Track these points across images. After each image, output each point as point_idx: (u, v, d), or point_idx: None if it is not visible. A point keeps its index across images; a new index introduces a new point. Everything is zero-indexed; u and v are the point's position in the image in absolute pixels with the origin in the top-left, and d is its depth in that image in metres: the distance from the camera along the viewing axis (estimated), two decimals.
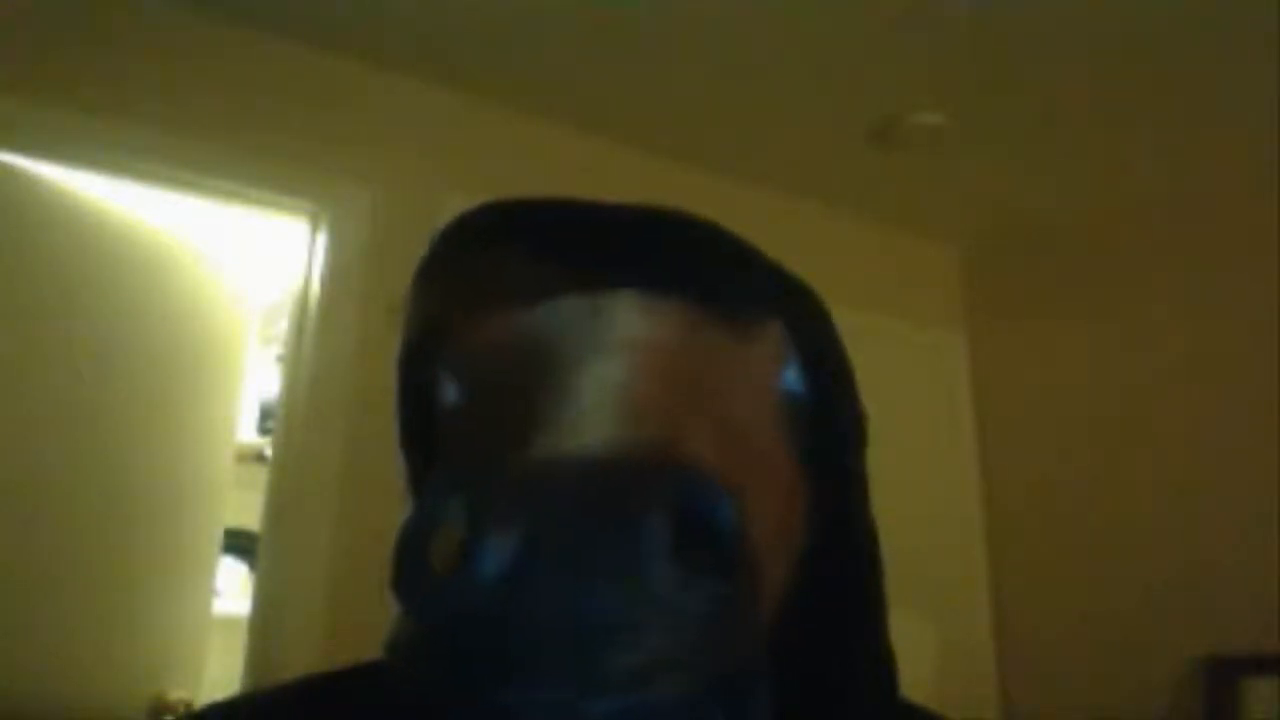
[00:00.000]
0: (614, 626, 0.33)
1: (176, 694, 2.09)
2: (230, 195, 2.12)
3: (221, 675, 2.21)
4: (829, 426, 0.53)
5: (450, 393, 0.51)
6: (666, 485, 0.35)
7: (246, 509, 2.38)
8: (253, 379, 2.76)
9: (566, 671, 0.32)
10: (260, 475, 2.25)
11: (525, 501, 0.35)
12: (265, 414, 2.92)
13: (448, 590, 0.34)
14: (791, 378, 0.52)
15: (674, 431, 0.41)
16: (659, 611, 0.33)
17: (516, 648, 0.33)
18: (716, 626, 0.35)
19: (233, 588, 2.77)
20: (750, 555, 0.37)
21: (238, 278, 2.43)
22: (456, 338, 0.51)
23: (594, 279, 0.48)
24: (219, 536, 2.37)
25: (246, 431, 2.82)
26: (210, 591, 2.35)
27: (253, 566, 2.44)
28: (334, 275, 2.13)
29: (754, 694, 0.36)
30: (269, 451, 2.32)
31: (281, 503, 2.02)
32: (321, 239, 2.15)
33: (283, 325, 2.47)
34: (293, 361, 2.12)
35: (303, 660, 1.86)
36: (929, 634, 2.70)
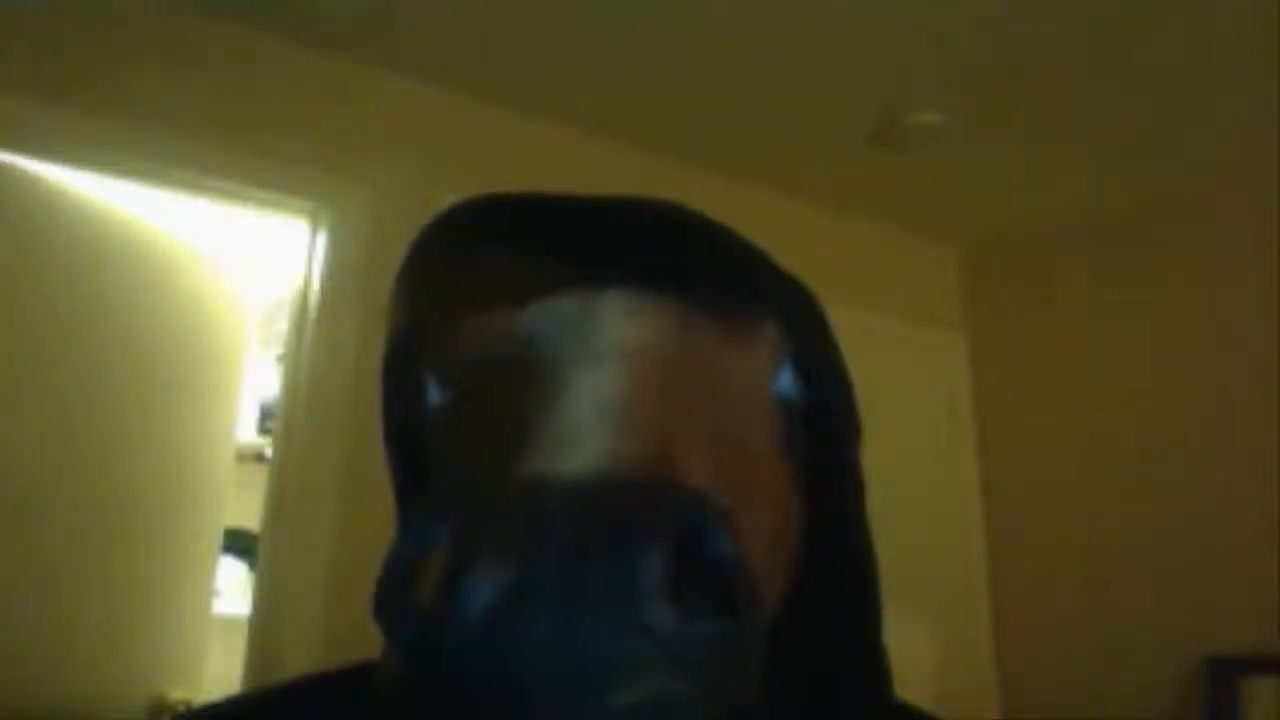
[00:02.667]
0: (609, 666, 0.31)
1: (176, 694, 2.09)
2: (230, 195, 2.12)
3: (221, 675, 2.21)
4: (825, 429, 0.53)
5: (435, 396, 0.50)
6: (663, 516, 0.34)
7: (246, 509, 2.38)
8: (253, 379, 2.76)
9: (561, 713, 0.31)
10: (260, 475, 2.25)
11: (513, 534, 0.33)
12: (265, 414, 2.92)
13: (433, 627, 0.32)
14: (787, 380, 0.51)
15: (667, 449, 0.39)
16: (656, 651, 0.32)
17: (508, 688, 0.31)
18: (716, 665, 0.33)
19: (233, 588, 2.77)
20: (750, 586, 0.35)
21: (238, 278, 2.43)
22: (441, 339, 0.50)
23: (582, 276, 0.46)
24: (219, 536, 2.37)
25: (246, 431, 2.82)
26: (210, 591, 2.35)
27: (253, 566, 2.44)
28: (334, 275, 2.13)
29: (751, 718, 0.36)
30: (269, 451, 2.32)
31: (281, 503, 2.02)
32: (321, 239, 2.15)
33: (283, 325, 2.47)
34: (293, 361, 2.12)
35: (303, 660, 1.86)
36: (929, 634, 2.70)
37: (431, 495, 0.35)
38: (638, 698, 0.32)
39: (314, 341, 2.08)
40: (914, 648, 2.58)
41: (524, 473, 0.37)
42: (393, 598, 0.34)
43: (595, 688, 0.31)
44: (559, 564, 0.32)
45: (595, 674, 0.31)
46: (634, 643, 0.32)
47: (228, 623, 2.39)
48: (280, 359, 2.44)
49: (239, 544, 2.73)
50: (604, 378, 0.41)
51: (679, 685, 0.32)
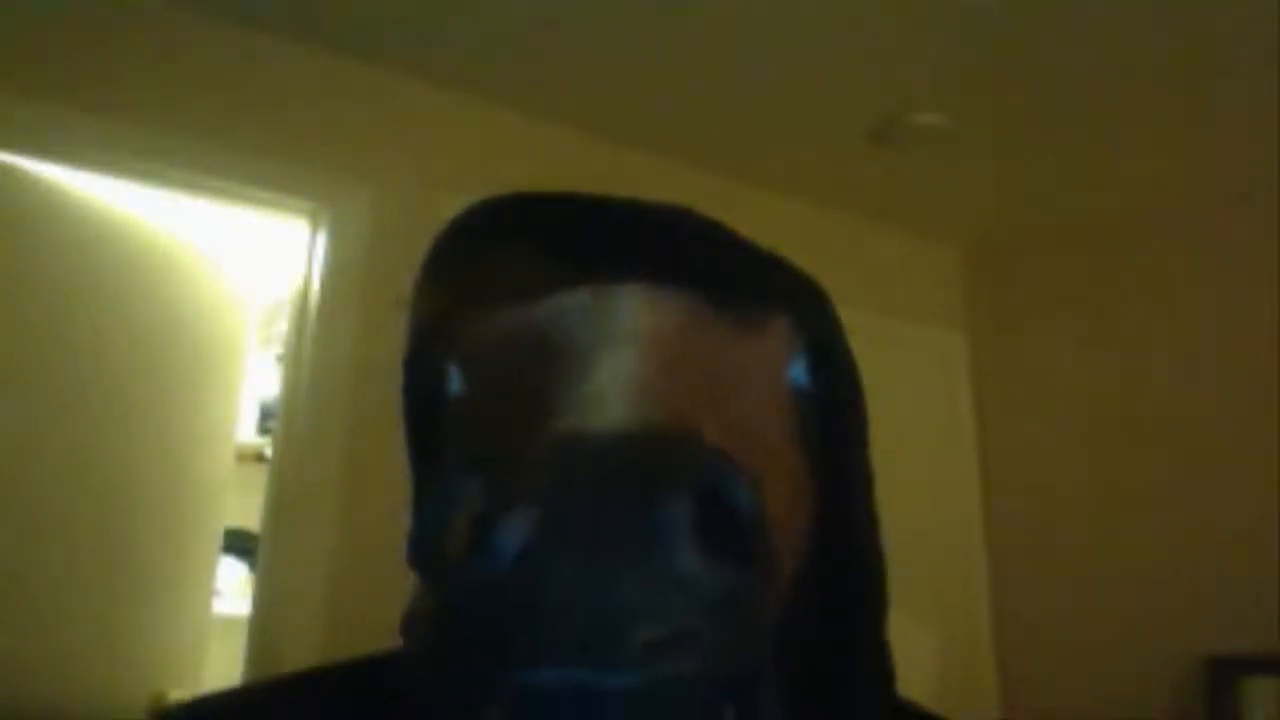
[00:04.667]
0: (633, 605, 0.33)
1: (177, 693, 2.09)
2: (230, 195, 2.12)
3: (221, 675, 2.22)
4: (835, 422, 0.54)
5: (456, 384, 0.51)
6: (687, 464, 0.35)
7: (246, 509, 2.38)
8: (253, 379, 2.76)
9: (585, 649, 0.32)
10: (260, 475, 2.25)
11: (543, 479, 0.34)
12: (265, 414, 2.92)
13: (466, 569, 0.34)
14: (798, 372, 0.52)
15: (686, 417, 0.41)
16: (678, 591, 0.33)
17: (535, 626, 0.33)
18: (733, 612, 0.35)
19: (233, 588, 2.77)
20: (767, 539, 0.37)
21: (238, 278, 2.43)
22: (462, 332, 0.51)
23: (599, 273, 0.48)
24: (219, 536, 2.37)
25: (246, 431, 2.82)
26: (210, 591, 2.35)
27: (253, 566, 2.44)
28: (334, 275, 2.12)
29: (763, 678, 0.37)
30: (269, 451, 2.32)
31: (281, 503, 2.02)
32: (321, 239, 2.15)
33: (283, 325, 2.47)
34: (293, 361, 2.12)
35: (303, 660, 1.85)
36: (929, 634, 2.70)
37: (463, 452, 0.36)
38: (658, 636, 0.33)
39: (314, 341, 2.08)
40: (914, 648, 2.58)
41: (552, 430, 0.38)
42: (427, 544, 0.36)
43: (617, 625, 0.33)
44: (586, 507, 0.34)
45: (617, 612, 0.33)
46: (658, 582, 0.33)
47: (228, 623, 2.39)
48: (280, 359, 2.44)
49: (239, 544, 2.73)
50: (623, 358, 0.43)
51: (702, 622, 0.34)
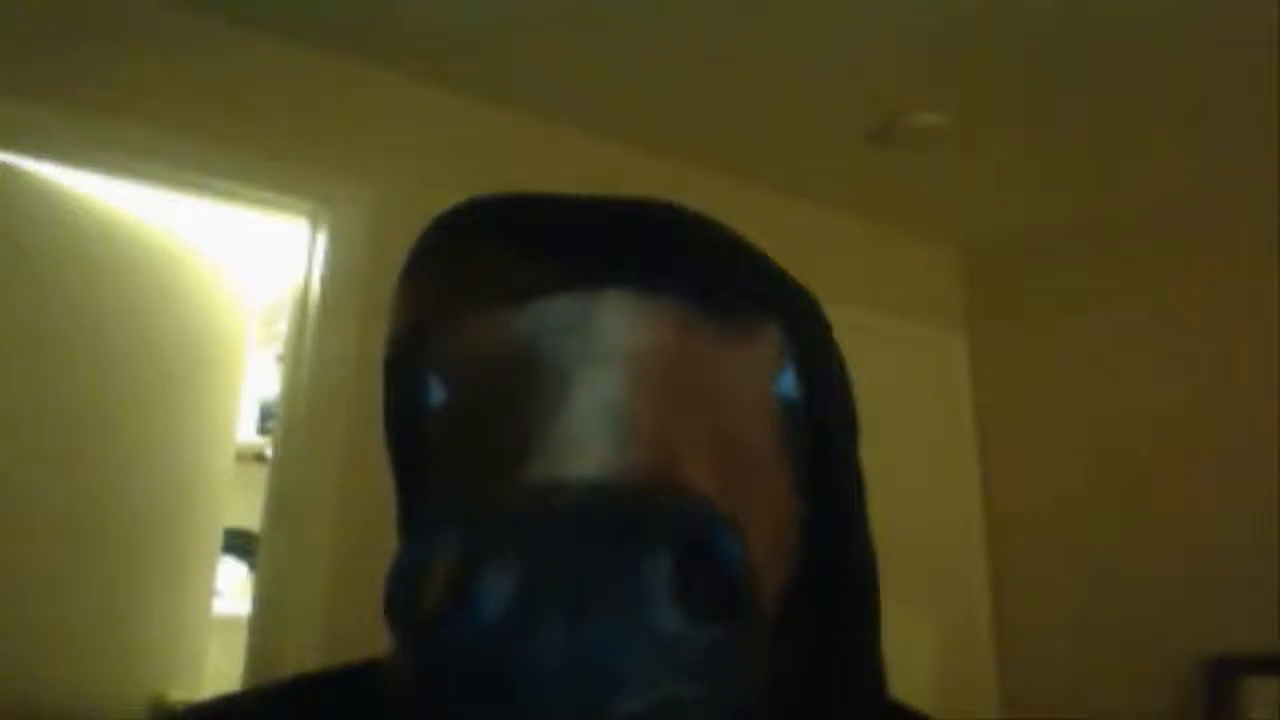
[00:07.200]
0: (616, 670, 0.32)
1: (177, 694, 2.09)
2: (230, 195, 2.12)
3: (221, 675, 2.22)
4: (825, 429, 0.53)
5: (437, 395, 0.50)
6: (668, 519, 0.34)
7: (246, 509, 2.38)
8: (253, 379, 2.76)
9: (568, 718, 0.31)
10: (260, 475, 2.25)
11: (522, 538, 0.33)
12: (265, 414, 2.92)
13: (442, 631, 0.33)
14: (787, 382, 0.51)
15: (670, 454, 0.39)
16: (662, 656, 0.32)
17: (517, 693, 0.32)
18: (721, 668, 0.34)
19: (233, 588, 2.77)
20: (754, 588, 0.36)
21: (238, 278, 2.43)
22: (443, 338, 0.50)
23: (584, 277, 0.47)
24: (219, 536, 2.37)
25: (246, 431, 2.82)
26: (210, 591, 2.35)
27: (253, 566, 2.44)
28: (334, 275, 2.12)
29: (752, 715, 0.36)
30: (269, 451, 2.32)
31: (281, 503, 2.02)
32: (321, 239, 2.15)
33: (283, 325, 2.47)
34: (293, 361, 2.12)
35: (303, 660, 1.86)
36: (929, 634, 2.70)
37: (436, 500, 0.35)
38: (644, 702, 0.32)
39: (314, 341, 2.08)
40: (914, 648, 2.58)
41: (529, 478, 0.37)
42: (401, 603, 0.34)
43: (602, 692, 0.32)
44: (566, 568, 0.32)
45: (602, 678, 0.32)
46: (640, 646, 0.32)
47: (228, 623, 2.39)
48: (280, 359, 2.44)
49: (239, 544, 2.73)
50: (605, 382, 0.41)
51: (685, 689, 0.33)
